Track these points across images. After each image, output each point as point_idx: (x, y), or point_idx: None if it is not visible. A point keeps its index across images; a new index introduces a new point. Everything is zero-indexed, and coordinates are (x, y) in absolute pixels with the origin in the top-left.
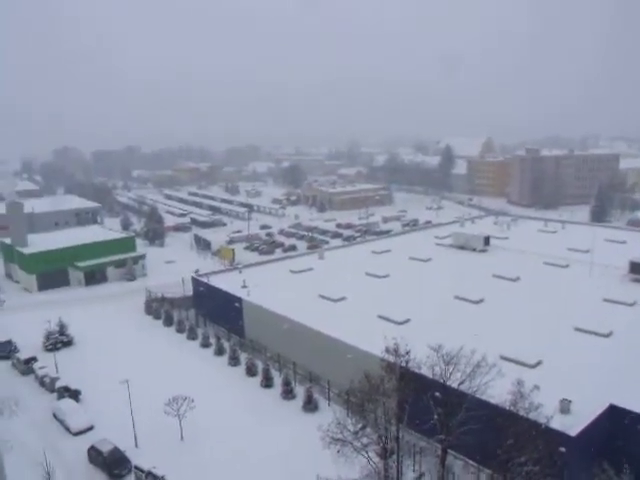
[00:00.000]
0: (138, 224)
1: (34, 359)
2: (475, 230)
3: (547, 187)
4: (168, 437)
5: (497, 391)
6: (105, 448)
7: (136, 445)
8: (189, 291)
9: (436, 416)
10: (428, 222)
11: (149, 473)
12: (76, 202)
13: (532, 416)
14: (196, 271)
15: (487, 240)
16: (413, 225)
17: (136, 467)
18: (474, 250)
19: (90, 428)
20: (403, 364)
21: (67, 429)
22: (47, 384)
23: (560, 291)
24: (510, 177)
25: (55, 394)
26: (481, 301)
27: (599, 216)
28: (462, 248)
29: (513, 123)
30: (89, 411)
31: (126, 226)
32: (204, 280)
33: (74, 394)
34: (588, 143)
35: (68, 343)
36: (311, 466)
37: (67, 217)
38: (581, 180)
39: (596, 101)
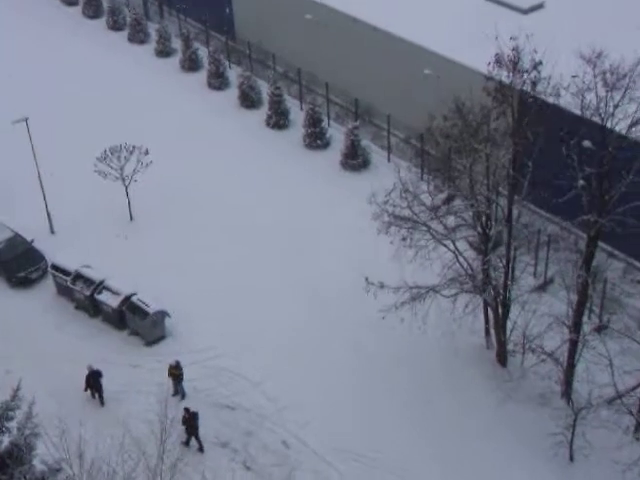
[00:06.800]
0: None
1: None
2: None
3: None
4: (107, 216)
5: None
6: None
7: (52, 230)
8: None
9: (582, 182)
10: None
11: (78, 275)
12: None
13: None
14: None
15: None
16: None
17: (54, 267)
18: None
19: None
20: (526, 87)
21: None
22: None
23: None
24: None
25: None
26: None
27: None
28: None
29: None
30: None
31: None
32: None
33: None
34: None
35: None
36: (357, 261)
37: None
38: None
39: None
